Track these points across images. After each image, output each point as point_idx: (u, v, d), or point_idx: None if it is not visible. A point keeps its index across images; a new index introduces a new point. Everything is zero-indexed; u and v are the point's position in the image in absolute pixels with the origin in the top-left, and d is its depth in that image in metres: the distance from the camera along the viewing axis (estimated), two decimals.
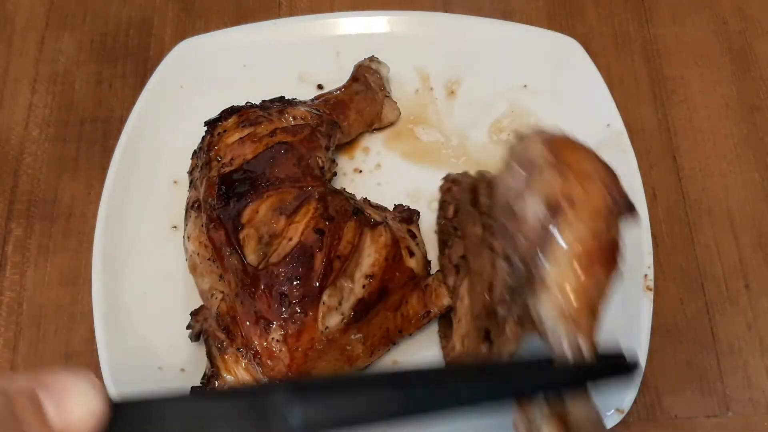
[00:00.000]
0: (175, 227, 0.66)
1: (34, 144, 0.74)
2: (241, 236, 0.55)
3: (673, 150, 0.73)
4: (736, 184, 0.72)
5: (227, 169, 0.58)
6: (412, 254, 0.58)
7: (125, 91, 0.76)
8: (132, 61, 0.78)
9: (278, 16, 0.80)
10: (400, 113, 0.71)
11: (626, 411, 0.58)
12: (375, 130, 0.71)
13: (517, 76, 0.72)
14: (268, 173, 0.58)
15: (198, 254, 0.58)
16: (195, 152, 0.63)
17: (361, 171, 0.70)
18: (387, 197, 0.65)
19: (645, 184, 0.65)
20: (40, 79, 0.77)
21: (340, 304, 0.54)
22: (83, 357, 0.65)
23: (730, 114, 0.75)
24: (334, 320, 0.54)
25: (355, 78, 0.70)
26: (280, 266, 0.53)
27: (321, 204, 0.56)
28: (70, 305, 0.67)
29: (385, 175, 0.69)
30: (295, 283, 0.53)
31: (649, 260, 0.62)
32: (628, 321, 0.60)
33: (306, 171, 0.59)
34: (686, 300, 0.67)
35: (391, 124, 0.71)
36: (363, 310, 0.55)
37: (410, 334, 0.60)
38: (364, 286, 0.55)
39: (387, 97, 0.70)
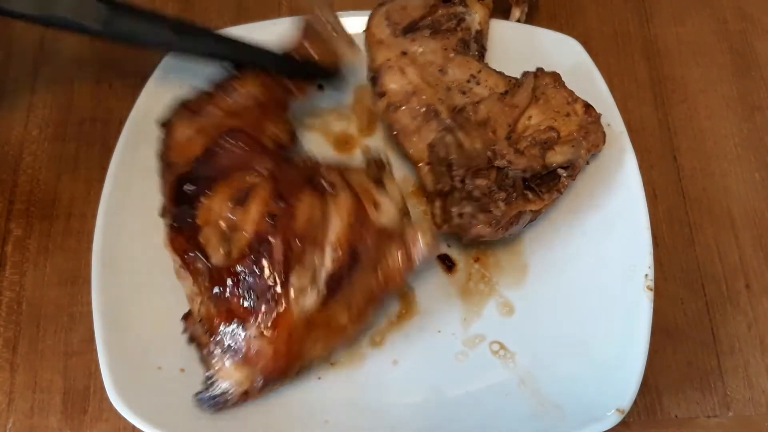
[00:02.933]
0: None
1: (34, 144, 0.74)
2: (200, 239, 0.54)
3: (673, 150, 0.73)
4: (736, 184, 0.72)
5: (182, 171, 0.57)
6: (379, 207, 0.56)
7: (125, 90, 0.76)
8: (132, 61, 0.77)
9: (278, 16, 0.80)
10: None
11: (626, 411, 0.57)
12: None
13: (515, 75, 0.72)
14: (218, 165, 0.56)
15: (174, 261, 0.57)
16: (157, 156, 0.62)
17: None
18: None
19: (645, 183, 0.65)
20: (39, 79, 0.77)
21: (314, 281, 0.53)
22: (83, 357, 0.65)
23: (731, 114, 0.75)
24: (310, 300, 0.53)
25: (305, 34, 0.66)
26: (241, 262, 0.53)
27: (270, 183, 0.54)
28: (69, 305, 0.67)
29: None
30: (258, 275, 0.52)
31: (649, 260, 0.62)
32: (628, 321, 0.60)
33: (256, 150, 0.57)
34: (686, 300, 0.67)
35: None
36: (338, 281, 0.54)
37: (398, 288, 0.59)
38: (333, 259, 0.53)
39: (338, 38, 0.67)
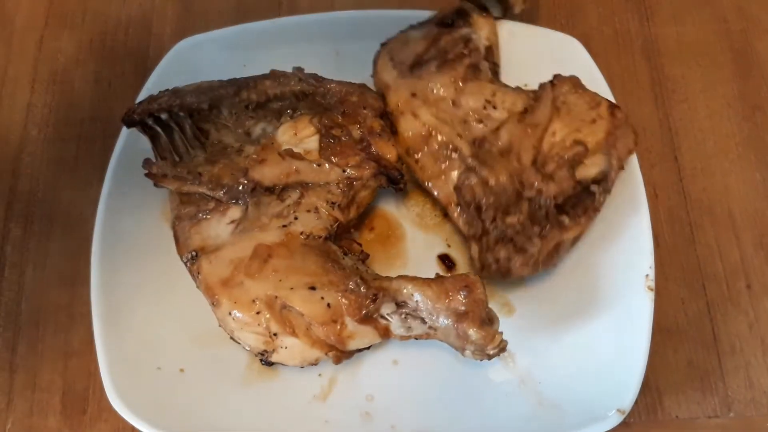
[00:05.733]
0: None
1: (33, 144, 0.74)
2: None
3: (674, 149, 0.73)
4: (737, 183, 0.72)
5: None
6: None
7: (125, 90, 0.75)
8: (131, 61, 0.77)
9: (278, 15, 0.80)
10: None
11: (627, 411, 0.57)
12: None
13: (517, 75, 0.71)
14: None
15: None
16: None
17: None
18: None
19: (646, 183, 0.65)
20: (39, 78, 0.77)
21: None
22: (82, 357, 0.65)
23: (731, 113, 0.75)
24: None
25: None
26: None
27: None
28: (68, 305, 0.67)
29: None
30: None
31: (650, 260, 0.62)
32: (629, 321, 0.60)
33: None
34: (687, 300, 0.67)
35: None
36: None
37: None
38: None
39: None
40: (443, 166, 0.62)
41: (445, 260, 0.65)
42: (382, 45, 0.68)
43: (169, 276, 0.63)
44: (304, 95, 0.65)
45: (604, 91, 0.69)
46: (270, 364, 0.58)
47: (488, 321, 0.56)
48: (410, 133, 0.63)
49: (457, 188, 0.61)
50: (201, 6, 0.81)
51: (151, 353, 0.61)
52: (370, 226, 0.67)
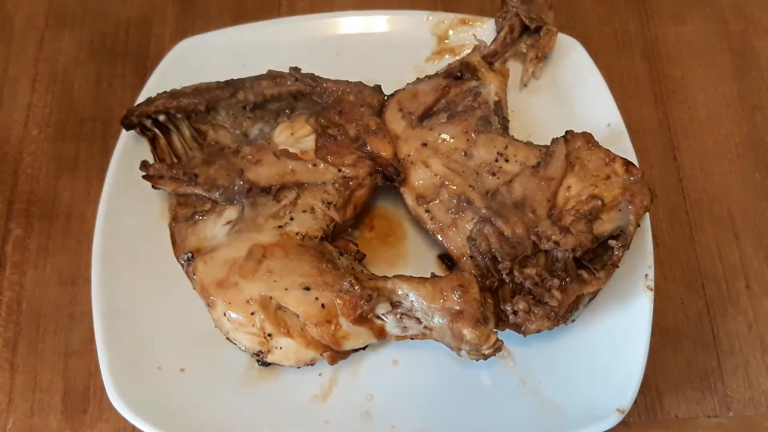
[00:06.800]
0: None
1: (34, 143, 0.74)
2: None
3: (673, 149, 0.73)
4: (736, 183, 0.72)
5: None
6: None
7: (125, 90, 0.76)
8: (131, 61, 0.77)
9: (278, 15, 0.80)
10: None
11: (626, 411, 0.57)
12: None
13: (517, 75, 0.72)
14: None
15: None
16: None
17: None
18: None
19: None
20: (39, 78, 0.77)
21: None
22: (83, 357, 0.65)
23: (731, 113, 0.75)
24: None
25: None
26: None
27: None
28: (69, 305, 0.67)
29: None
30: None
31: (649, 260, 0.62)
32: (629, 321, 0.60)
33: None
34: (687, 300, 0.67)
35: None
36: None
37: None
38: None
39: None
40: (455, 216, 0.61)
41: (445, 260, 0.65)
42: (390, 96, 0.66)
43: (170, 276, 0.63)
44: (302, 95, 0.65)
45: (603, 91, 0.69)
46: (266, 364, 0.58)
47: (483, 320, 0.56)
48: (421, 182, 0.62)
49: (471, 238, 0.60)
50: (201, 6, 0.81)
51: (151, 353, 0.61)
52: (370, 225, 0.67)
